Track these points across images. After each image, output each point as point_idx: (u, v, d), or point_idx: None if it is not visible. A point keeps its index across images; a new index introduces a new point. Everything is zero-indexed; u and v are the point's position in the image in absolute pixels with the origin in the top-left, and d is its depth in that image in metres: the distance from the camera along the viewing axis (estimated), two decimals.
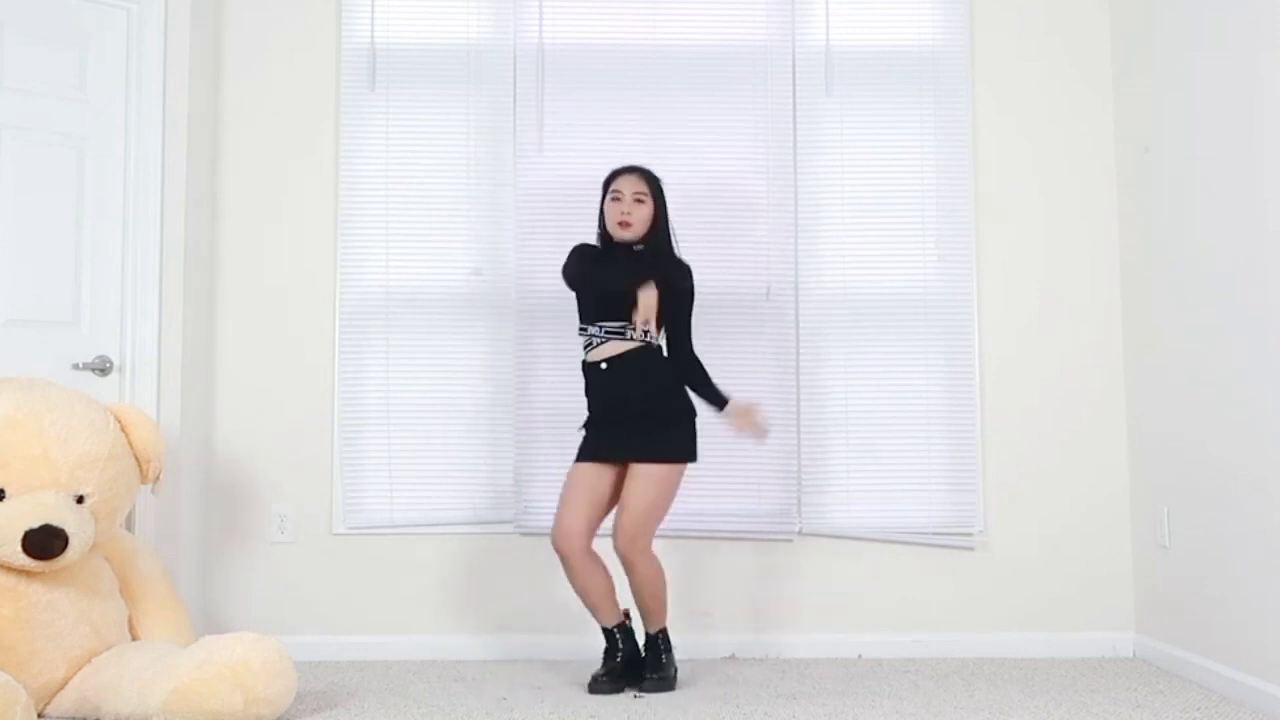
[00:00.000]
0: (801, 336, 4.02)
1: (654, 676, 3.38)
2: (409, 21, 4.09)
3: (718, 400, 3.49)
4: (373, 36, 4.08)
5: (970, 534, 3.96)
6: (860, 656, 3.90)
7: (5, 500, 2.89)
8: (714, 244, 4.00)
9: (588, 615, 3.90)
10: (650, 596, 3.41)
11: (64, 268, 3.59)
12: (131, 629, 3.16)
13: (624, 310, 3.41)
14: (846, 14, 4.10)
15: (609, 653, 3.43)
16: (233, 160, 4.05)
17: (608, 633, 3.44)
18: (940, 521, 3.97)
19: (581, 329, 3.47)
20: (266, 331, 4.00)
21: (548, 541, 3.80)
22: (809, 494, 3.98)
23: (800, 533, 3.98)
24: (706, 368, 3.53)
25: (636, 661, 3.44)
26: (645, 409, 3.40)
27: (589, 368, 3.44)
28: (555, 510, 3.42)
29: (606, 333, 3.41)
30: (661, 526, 3.98)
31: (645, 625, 3.45)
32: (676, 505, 3.99)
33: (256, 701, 2.80)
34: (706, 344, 3.97)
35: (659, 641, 3.45)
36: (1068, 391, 4.01)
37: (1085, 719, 3.04)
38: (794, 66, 4.09)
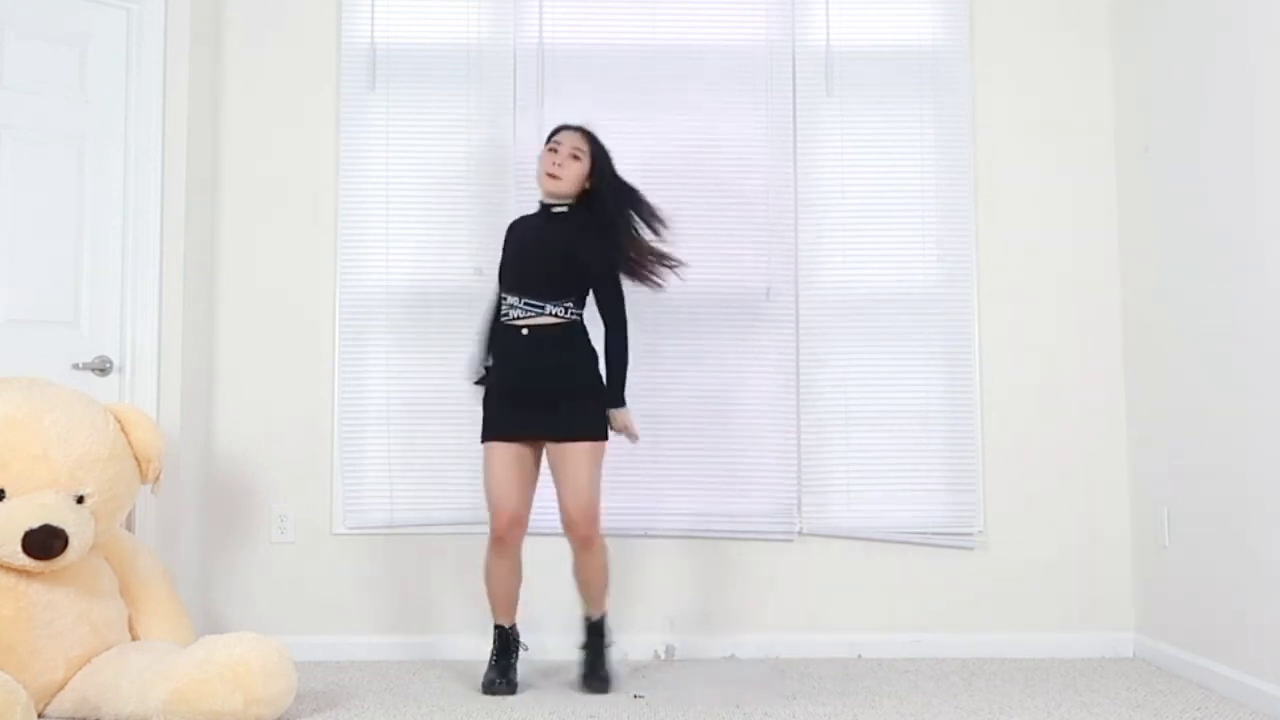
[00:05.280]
0: (801, 336, 4.02)
1: (601, 676, 3.37)
2: (409, 21, 4.09)
3: (613, 398, 3.40)
4: (373, 36, 4.08)
5: (970, 534, 3.97)
6: (860, 656, 3.90)
7: (5, 500, 2.89)
8: (714, 244, 4.00)
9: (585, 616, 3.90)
10: (604, 578, 3.41)
11: (64, 268, 3.59)
12: (131, 629, 3.16)
13: (550, 290, 3.35)
14: (846, 14, 4.10)
15: (505, 652, 3.40)
16: (232, 159, 4.05)
17: (509, 632, 3.42)
18: (940, 521, 3.97)
19: (503, 297, 3.42)
20: (266, 331, 4.00)
21: (547, 542, 3.79)
22: (809, 494, 3.98)
23: (800, 533, 3.98)
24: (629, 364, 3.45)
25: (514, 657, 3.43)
26: (565, 381, 3.34)
27: (508, 331, 3.37)
28: (488, 494, 3.37)
29: (527, 305, 3.35)
30: (664, 527, 3.99)
31: (592, 610, 3.43)
32: (676, 505, 4.00)
33: (256, 701, 2.79)
34: (707, 344, 3.99)
35: (603, 631, 3.44)
36: (1068, 391, 4.01)
37: (1085, 719, 3.04)
38: (794, 66, 4.09)
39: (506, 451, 3.35)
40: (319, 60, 4.09)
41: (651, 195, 3.73)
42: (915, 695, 3.33)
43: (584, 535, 3.33)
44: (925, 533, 3.96)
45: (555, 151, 3.43)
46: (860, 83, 4.09)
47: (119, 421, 3.14)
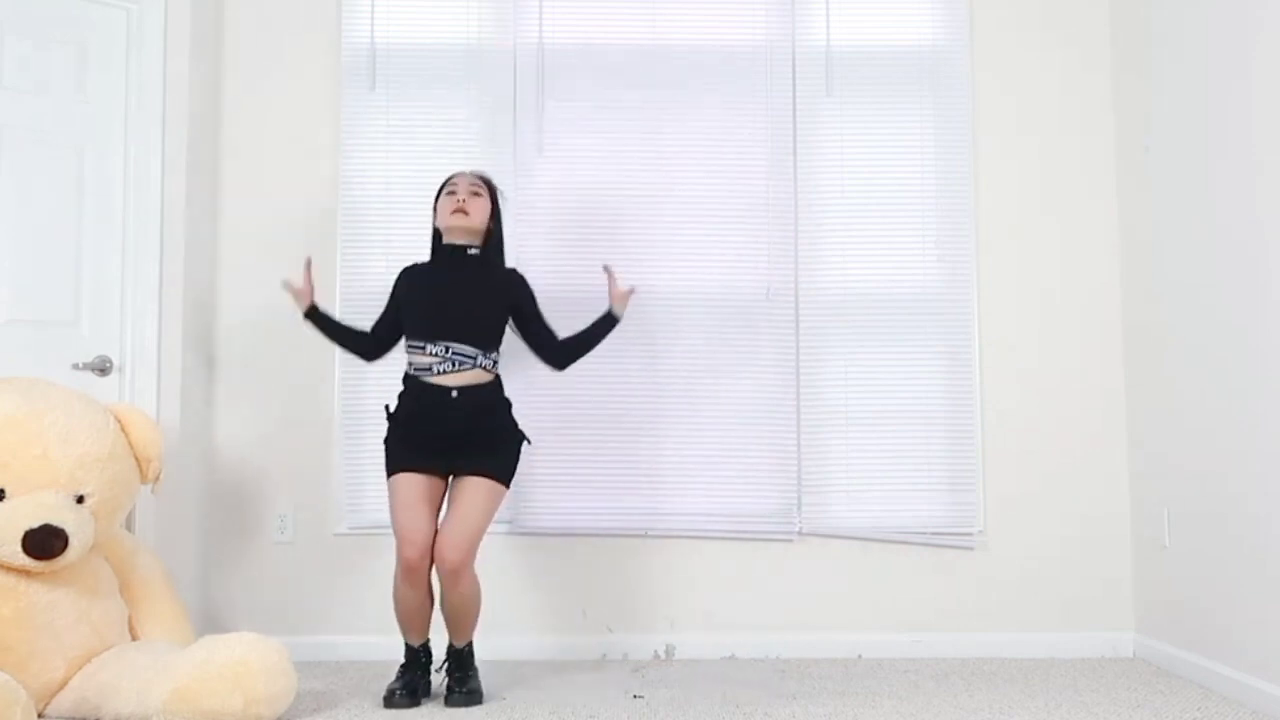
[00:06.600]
0: (801, 336, 4.02)
1: (462, 690, 3.23)
2: (409, 21, 4.09)
3: (607, 323, 3.47)
4: (373, 36, 4.08)
5: (970, 534, 3.97)
6: (860, 656, 3.90)
7: (5, 500, 2.89)
8: (714, 244, 4.01)
9: (586, 616, 3.90)
10: (471, 613, 3.29)
11: (64, 268, 3.59)
12: (131, 629, 3.16)
13: (477, 335, 3.29)
14: (846, 14, 4.11)
15: (411, 666, 3.29)
16: (232, 159, 4.05)
17: (419, 650, 3.31)
18: (940, 521, 3.97)
19: (417, 346, 3.29)
20: (266, 331, 4.00)
21: (546, 542, 3.79)
22: (809, 494, 3.98)
23: (800, 533, 3.98)
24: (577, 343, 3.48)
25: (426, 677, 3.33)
26: (485, 435, 3.29)
27: (429, 389, 3.26)
28: (396, 526, 3.22)
29: (454, 354, 3.26)
30: (664, 527, 3.98)
31: (457, 639, 3.31)
32: (676, 504, 4.00)
33: (256, 701, 2.80)
34: (707, 344, 4.00)
35: (466, 654, 3.32)
36: (1068, 391, 4.01)
37: (1085, 719, 3.04)
38: (794, 66, 4.09)
39: (416, 483, 3.23)
40: (319, 60, 4.09)
41: (650, 195, 3.71)
42: (915, 695, 3.33)
43: (452, 567, 3.16)
44: (925, 532, 3.96)
45: (454, 194, 3.34)
46: (860, 83, 4.10)
47: (119, 421, 3.14)
